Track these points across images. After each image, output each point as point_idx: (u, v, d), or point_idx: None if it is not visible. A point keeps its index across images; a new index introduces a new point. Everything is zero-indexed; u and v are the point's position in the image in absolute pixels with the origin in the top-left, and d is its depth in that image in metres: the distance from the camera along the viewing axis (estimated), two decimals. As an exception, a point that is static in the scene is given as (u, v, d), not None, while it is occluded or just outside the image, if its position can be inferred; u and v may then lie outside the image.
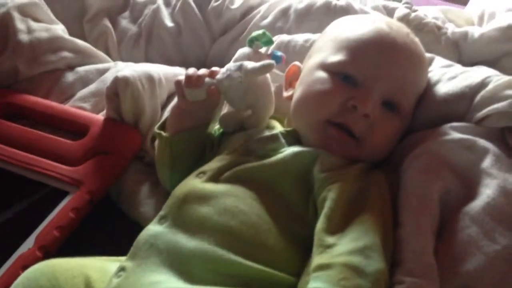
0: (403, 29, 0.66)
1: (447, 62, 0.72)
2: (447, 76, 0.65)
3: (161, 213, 0.58)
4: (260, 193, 0.57)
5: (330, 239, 0.52)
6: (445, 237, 0.54)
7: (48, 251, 0.63)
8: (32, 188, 0.70)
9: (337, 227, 0.53)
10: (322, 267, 0.49)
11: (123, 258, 0.56)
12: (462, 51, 0.83)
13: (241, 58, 0.70)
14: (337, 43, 0.64)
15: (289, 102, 0.68)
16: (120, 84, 0.74)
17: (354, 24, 0.65)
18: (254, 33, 0.69)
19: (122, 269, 0.54)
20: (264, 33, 0.69)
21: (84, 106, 0.81)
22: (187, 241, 0.54)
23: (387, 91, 0.61)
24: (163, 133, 0.67)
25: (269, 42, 0.69)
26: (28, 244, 0.63)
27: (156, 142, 0.71)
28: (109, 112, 0.77)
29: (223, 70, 0.64)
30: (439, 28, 0.85)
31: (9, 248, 0.64)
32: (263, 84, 0.65)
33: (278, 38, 0.82)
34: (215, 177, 0.59)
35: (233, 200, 0.56)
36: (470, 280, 0.52)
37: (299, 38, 0.81)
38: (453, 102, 0.63)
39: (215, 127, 0.70)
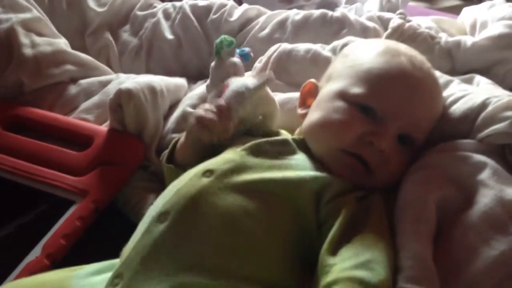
0: (424, 65, 0.66)
1: (445, 78, 0.74)
2: (450, 100, 0.68)
3: (162, 209, 0.55)
4: (270, 206, 0.56)
5: (332, 260, 0.53)
6: (443, 244, 0.56)
7: (55, 259, 0.65)
8: (38, 198, 0.71)
9: (339, 247, 0.54)
10: (329, 285, 0.50)
11: (92, 267, 0.57)
12: (455, 59, 0.86)
13: (213, 73, 0.72)
14: (359, 74, 0.64)
15: (300, 118, 0.69)
16: (123, 96, 0.76)
17: (376, 55, 0.65)
18: (216, 43, 0.71)
19: (117, 276, 0.53)
20: (222, 39, 0.70)
21: (87, 118, 0.82)
22: (187, 246, 0.53)
23: (405, 127, 0.62)
24: (173, 167, 0.67)
25: (231, 43, 0.71)
26: (36, 252, 0.65)
27: (165, 170, 0.69)
28: (112, 124, 0.78)
29: (231, 99, 0.65)
30: (432, 37, 0.87)
31: (17, 257, 0.65)
32: (265, 94, 0.68)
33: (279, 47, 0.84)
34: (223, 184, 0.57)
35: (240, 212, 0.55)
36: (469, 285, 0.54)
37: (301, 47, 0.83)
38: (456, 124, 0.65)
39: None
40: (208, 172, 0.58)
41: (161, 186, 0.73)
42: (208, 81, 0.73)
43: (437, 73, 0.73)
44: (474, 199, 0.57)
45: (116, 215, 0.73)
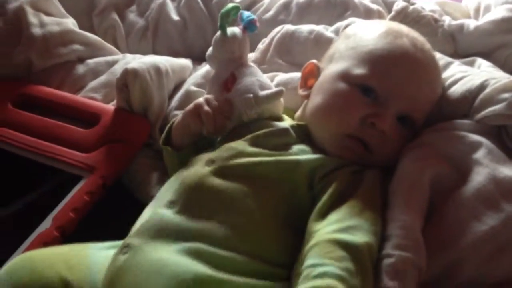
0: (425, 46, 0.67)
1: (446, 60, 0.75)
2: (449, 82, 0.69)
3: (171, 198, 0.59)
4: (267, 190, 0.59)
5: (318, 225, 0.55)
6: (435, 219, 0.58)
7: (64, 231, 0.67)
8: (48, 173, 0.73)
9: (326, 214, 0.56)
10: (311, 247, 0.53)
11: (105, 243, 0.59)
12: (457, 43, 0.87)
13: (216, 47, 0.70)
14: (361, 55, 0.65)
15: (302, 98, 0.70)
16: (130, 76, 0.78)
17: (379, 36, 0.66)
18: (221, 14, 0.68)
19: (126, 246, 0.55)
20: (228, 9, 0.68)
21: (95, 97, 0.84)
22: (194, 225, 0.56)
23: (405, 108, 0.63)
24: (169, 149, 0.68)
25: (237, 8, 0.68)
26: (46, 224, 0.67)
27: (164, 151, 0.71)
28: (119, 102, 0.80)
29: (239, 102, 0.65)
30: (436, 20, 0.88)
31: (27, 229, 0.67)
32: (279, 99, 0.67)
33: (282, 29, 0.85)
34: (224, 170, 0.60)
35: (241, 196, 0.58)
36: (459, 257, 0.56)
37: (304, 29, 0.84)
38: (455, 105, 0.66)
39: None
40: (210, 162, 0.61)
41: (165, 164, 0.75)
42: (210, 51, 0.71)
43: (438, 55, 0.74)
44: (469, 177, 0.59)
45: (122, 194, 0.76)
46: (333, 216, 0.55)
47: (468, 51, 0.86)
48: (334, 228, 0.54)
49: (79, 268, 0.56)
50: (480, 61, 0.80)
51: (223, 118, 0.65)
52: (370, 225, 0.55)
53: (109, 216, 0.71)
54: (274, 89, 0.66)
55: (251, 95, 0.65)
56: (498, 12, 0.87)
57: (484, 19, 0.87)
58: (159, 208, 0.59)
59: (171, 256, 0.54)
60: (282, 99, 0.69)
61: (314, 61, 0.72)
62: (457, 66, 0.74)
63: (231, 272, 0.53)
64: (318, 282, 0.49)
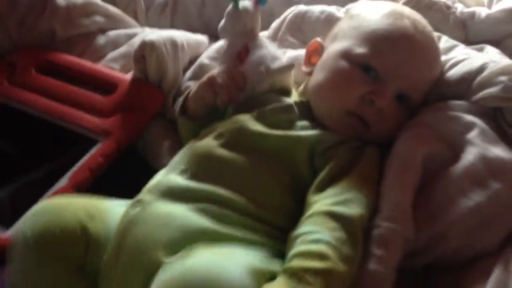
0: (426, 28, 0.69)
1: (451, 43, 0.77)
2: (450, 63, 0.71)
3: (182, 167, 0.63)
4: (270, 161, 0.62)
5: (316, 197, 0.59)
6: (425, 193, 0.61)
7: (80, 189, 0.72)
8: (67, 136, 0.78)
9: (324, 188, 0.59)
10: (308, 217, 0.57)
11: (121, 201, 0.63)
12: (468, 30, 0.88)
13: (229, 20, 0.72)
14: (363, 35, 0.67)
15: (305, 75, 0.73)
16: (147, 48, 0.81)
17: (381, 17, 0.68)
18: None
19: (138, 201, 0.60)
20: None
21: (114, 66, 0.88)
22: (202, 186, 0.60)
23: (403, 87, 0.66)
24: (184, 119, 0.72)
25: None
26: (63, 182, 0.72)
27: (178, 121, 0.75)
28: (136, 73, 0.84)
29: (252, 74, 0.68)
30: (448, 7, 0.89)
31: (45, 187, 0.73)
32: (290, 72, 0.70)
33: (296, 8, 0.88)
34: (231, 143, 0.63)
35: (246, 165, 0.62)
36: (444, 230, 0.59)
37: (316, 9, 0.86)
38: (454, 86, 0.68)
39: None
40: (218, 136, 0.65)
41: (177, 133, 0.78)
42: (222, 24, 0.74)
43: (444, 37, 0.76)
44: (460, 156, 0.62)
45: (135, 159, 0.80)
46: (331, 190, 0.59)
47: (479, 38, 0.87)
48: (331, 201, 0.57)
49: (97, 217, 0.59)
50: (488, 48, 0.82)
51: (236, 89, 0.67)
52: (365, 199, 0.58)
53: (121, 179, 0.75)
54: (285, 63, 0.68)
55: (263, 67, 0.67)
56: (510, 1, 0.88)
57: (496, 8, 0.88)
58: (170, 174, 0.63)
59: (179, 212, 0.58)
60: (292, 72, 0.71)
61: (319, 39, 0.74)
62: (462, 49, 0.76)
63: (234, 228, 0.57)
64: (312, 246, 0.53)
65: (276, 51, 0.71)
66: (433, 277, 0.61)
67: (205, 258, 0.52)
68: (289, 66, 0.68)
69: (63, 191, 0.71)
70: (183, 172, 0.63)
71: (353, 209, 0.57)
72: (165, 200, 0.59)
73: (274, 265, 0.55)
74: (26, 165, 0.76)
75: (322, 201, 0.58)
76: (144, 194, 0.61)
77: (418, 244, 0.60)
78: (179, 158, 0.66)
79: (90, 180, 0.73)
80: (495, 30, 0.86)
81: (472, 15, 0.88)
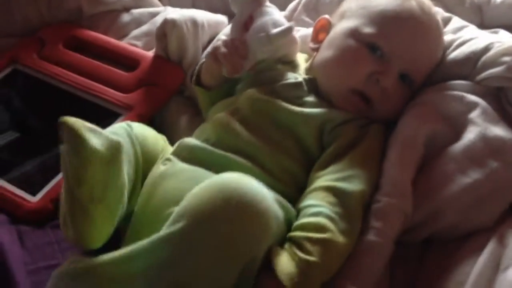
0: (431, 10, 0.71)
1: (462, 23, 0.78)
2: (456, 43, 0.72)
3: (204, 136, 0.67)
4: (282, 135, 0.66)
5: (320, 173, 0.62)
6: (426, 171, 0.64)
7: (103, 159, 0.77)
8: (92, 109, 0.82)
9: (328, 164, 0.63)
10: (311, 191, 0.60)
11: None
12: (484, 14, 0.88)
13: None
14: (371, 15, 0.69)
15: (311, 51, 0.75)
16: (168, 26, 0.85)
17: None
18: None
19: (167, 159, 0.65)
20: None
21: (136, 44, 0.92)
22: (223, 154, 0.64)
23: (407, 67, 0.68)
24: (201, 89, 0.75)
25: None
26: (87, 153, 0.77)
27: (195, 90, 0.78)
28: (157, 50, 0.88)
29: (252, 41, 0.69)
30: (464, -9, 0.90)
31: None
32: (287, 40, 0.71)
33: None
34: (246, 117, 0.67)
35: (261, 139, 0.65)
36: (442, 205, 0.62)
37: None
38: (459, 66, 0.70)
39: None
40: (235, 110, 0.69)
41: (194, 109, 0.83)
42: None
43: (455, 18, 0.77)
44: (462, 135, 0.64)
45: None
46: (335, 166, 0.62)
47: (494, 23, 0.87)
48: (334, 177, 0.61)
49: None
50: (502, 32, 0.82)
51: (239, 58, 0.68)
52: (367, 175, 0.61)
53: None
54: (284, 26, 0.69)
55: (264, 33, 0.69)
56: (526, -13, 0.88)
57: (512, -7, 0.88)
58: (197, 140, 0.67)
59: (205, 171, 0.62)
60: (298, 42, 0.73)
61: (327, 16, 0.76)
62: (472, 29, 0.76)
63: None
64: (312, 219, 0.57)
65: (280, 18, 0.72)
66: (430, 251, 0.64)
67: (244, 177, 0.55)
68: (287, 29, 0.68)
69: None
70: (205, 140, 0.66)
71: (355, 185, 0.60)
72: (190, 162, 0.64)
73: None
74: (52, 138, 0.79)
75: (325, 177, 0.61)
76: (172, 154, 0.66)
77: (416, 219, 0.62)
78: (200, 131, 0.70)
79: (113, 150, 0.77)
80: (510, 15, 0.86)
81: (488, 0, 0.89)
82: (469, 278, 0.56)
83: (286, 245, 0.56)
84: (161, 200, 0.60)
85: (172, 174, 0.62)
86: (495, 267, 0.57)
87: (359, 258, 0.58)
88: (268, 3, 0.75)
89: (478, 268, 0.57)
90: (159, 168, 0.64)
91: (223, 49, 0.70)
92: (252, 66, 0.70)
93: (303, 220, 0.58)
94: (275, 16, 0.72)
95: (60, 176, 0.75)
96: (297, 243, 0.56)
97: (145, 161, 0.65)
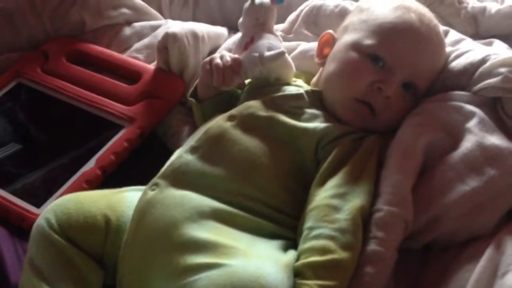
0: (432, 22, 0.73)
1: (459, 36, 0.79)
2: (454, 54, 0.74)
3: (194, 144, 0.67)
4: (277, 148, 0.66)
5: (318, 190, 0.63)
6: (425, 179, 0.65)
7: (106, 170, 0.78)
8: (95, 122, 0.83)
9: (326, 179, 0.64)
10: (310, 210, 0.61)
11: (140, 187, 0.66)
12: (479, 24, 0.90)
13: (244, 13, 0.77)
14: (372, 28, 0.71)
15: (317, 66, 0.77)
16: (169, 39, 0.86)
17: (389, 11, 0.72)
18: None
19: (155, 184, 0.64)
20: None
21: (138, 57, 0.93)
22: (213, 170, 0.64)
23: (409, 76, 0.70)
24: (194, 101, 0.77)
25: None
26: (90, 164, 0.78)
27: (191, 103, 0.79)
28: (159, 63, 0.89)
29: (246, 60, 0.72)
30: (459, 2, 0.91)
31: (74, 169, 0.78)
32: (282, 62, 0.73)
33: (311, 2, 0.91)
34: (244, 124, 0.67)
35: (256, 150, 0.65)
36: (441, 213, 0.63)
37: (330, 3, 0.89)
38: (457, 77, 0.72)
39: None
40: (232, 117, 0.69)
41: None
42: (241, 19, 0.79)
43: (452, 31, 0.79)
44: (460, 143, 0.65)
45: (156, 144, 0.85)
46: (331, 182, 0.63)
47: (489, 32, 0.89)
48: (331, 194, 0.62)
49: (118, 206, 0.64)
50: (497, 42, 0.84)
51: (231, 72, 0.71)
52: (364, 188, 0.62)
53: (144, 162, 0.80)
54: (276, 50, 0.72)
55: (257, 54, 0.72)
56: (521, -4, 0.90)
57: (506, 3, 0.90)
58: (183, 153, 0.67)
59: (193, 195, 0.62)
60: (292, 67, 0.75)
61: (330, 31, 0.78)
62: (469, 42, 0.78)
63: (243, 211, 0.62)
64: (313, 242, 0.58)
65: (276, 43, 0.75)
66: (430, 257, 0.65)
67: (244, 266, 0.55)
68: (278, 54, 0.71)
69: (90, 173, 0.77)
70: (194, 149, 0.66)
71: (352, 201, 0.61)
72: (179, 185, 0.63)
73: (288, 255, 0.59)
74: (55, 150, 0.81)
75: (323, 194, 0.62)
76: (160, 178, 0.65)
77: (416, 226, 0.63)
78: (193, 136, 0.70)
79: (115, 163, 0.79)
80: (504, 24, 0.88)
81: (483, 10, 0.90)
82: (467, 285, 0.57)
83: (296, 281, 0.57)
84: (150, 230, 0.60)
85: (160, 201, 0.62)
86: (493, 274, 0.58)
87: (364, 269, 0.58)
88: (271, 30, 0.78)
89: (476, 274, 0.58)
90: (147, 194, 0.63)
91: (218, 60, 0.72)
92: (241, 82, 0.73)
93: (305, 245, 0.59)
94: (272, 41, 0.75)
95: (64, 187, 0.76)
96: (304, 274, 0.57)
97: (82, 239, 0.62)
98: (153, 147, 0.84)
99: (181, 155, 0.67)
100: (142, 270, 0.59)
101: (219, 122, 0.69)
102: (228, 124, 0.68)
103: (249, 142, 0.66)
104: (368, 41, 0.70)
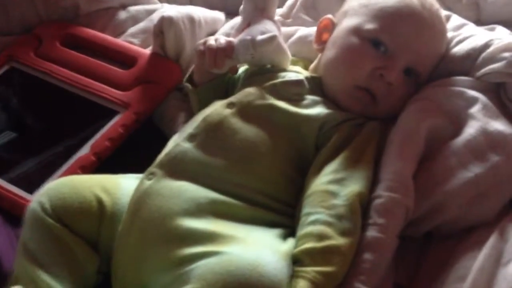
0: (434, 6, 0.71)
1: (461, 21, 0.78)
2: (456, 39, 0.73)
3: (192, 131, 0.65)
4: (278, 136, 0.65)
5: (315, 176, 0.62)
6: (427, 165, 0.64)
7: (100, 157, 0.76)
8: (90, 107, 0.82)
9: (322, 165, 0.62)
10: (308, 196, 0.60)
11: (136, 175, 0.65)
12: (481, 10, 0.89)
13: (245, 2, 0.76)
14: (373, 12, 0.69)
15: (317, 52, 0.75)
16: (165, 23, 0.84)
17: None
18: None
19: (151, 173, 0.62)
20: None
21: (133, 41, 0.91)
22: (211, 160, 0.63)
23: (411, 61, 0.68)
24: (189, 86, 0.76)
25: None
26: (85, 150, 0.76)
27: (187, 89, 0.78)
28: (155, 47, 0.87)
29: (238, 43, 0.70)
30: (461, -13, 0.90)
31: (68, 156, 0.76)
32: (275, 47, 0.71)
33: None
34: (244, 111, 0.66)
35: (255, 138, 0.64)
36: (443, 200, 0.62)
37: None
38: (460, 62, 0.70)
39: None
40: (231, 104, 0.67)
41: (192, 106, 0.82)
42: (241, 7, 0.78)
43: (454, 16, 0.78)
44: (463, 129, 0.64)
45: (152, 130, 0.83)
46: (329, 168, 0.62)
47: (491, 18, 0.88)
48: (328, 179, 0.60)
49: (112, 191, 0.63)
50: (499, 28, 0.82)
51: (224, 55, 0.70)
52: (362, 173, 0.61)
53: (140, 148, 0.78)
54: (268, 34, 0.70)
55: (250, 37, 0.70)
56: (523, -17, 0.88)
57: (510, -11, 0.88)
58: (180, 141, 0.65)
59: (190, 185, 0.61)
60: (287, 53, 0.73)
61: (330, 16, 0.76)
62: (471, 27, 0.77)
63: (241, 201, 0.60)
64: (310, 228, 0.57)
65: (272, 28, 0.73)
66: (431, 245, 0.64)
67: (242, 253, 0.53)
68: (270, 38, 0.69)
69: (84, 159, 0.75)
70: (192, 137, 0.65)
71: (350, 187, 0.60)
72: (176, 175, 0.62)
73: (287, 243, 0.58)
74: (49, 136, 0.80)
75: (320, 179, 0.61)
76: (156, 167, 0.63)
77: (418, 213, 0.62)
78: (190, 123, 0.69)
79: (110, 150, 0.77)
80: (507, 10, 0.87)
81: (486, -4, 0.89)
82: (470, 272, 0.56)
83: (294, 268, 0.55)
84: (146, 221, 0.59)
85: (156, 191, 0.60)
86: (496, 262, 0.57)
87: (364, 255, 0.58)
88: (271, 16, 0.76)
89: (479, 263, 0.57)
90: (144, 183, 0.62)
91: (211, 42, 0.71)
92: (233, 66, 0.72)
93: (303, 231, 0.58)
94: (268, 26, 0.73)
95: (57, 173, 0.75)
96: (302, 261, 0.56)
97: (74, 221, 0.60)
98: (149, 133, 0.82)
99: (178, 143, 0.65)
100: (137, 262, 0.58)
101: (218, 109, 0.67)
102: (227, 112, 0.67)
103: (248, 131, 0.65)
104: (369, 26, 0.69)
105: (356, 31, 0.69)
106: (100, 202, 0.61)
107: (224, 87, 0.76)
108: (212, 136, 0.65)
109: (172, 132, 0.81)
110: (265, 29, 0.72)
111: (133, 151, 0.79)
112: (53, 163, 0.76)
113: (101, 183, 0.63)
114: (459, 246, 0.61)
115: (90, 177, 0.67)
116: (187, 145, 0.64)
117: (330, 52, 0.72)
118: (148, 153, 0.69)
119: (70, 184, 0.62)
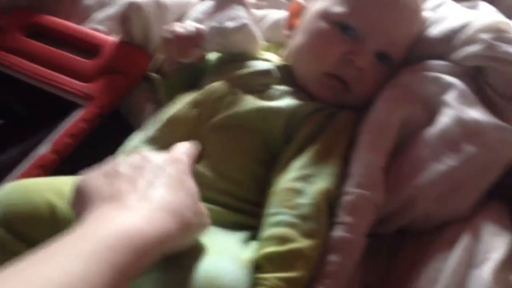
0: None
1: (439, 0, 0.73)
2: (433, 20, 0.68)
3: (153, 134, 0.63)
4: (246, 135, 0.61)
5: (281, 171, 0.58)
6: (399, 157, 0.60)
7: (61, 155, 0.72)
8: (50, 100, 0.77)
9: (288, 160, 0.59)
10: (272, 193, 0.57)
11: None
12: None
13: None
14: None
15: (287, 39, 0.71)
16: (132, 9, 0.79)
17: None
18: None
19: None
20: None
21: (99, 29, 0.87)
22: None
23: (383, 44, 0.64)
24: (156, 76, 0.72)
25: None
26: (44, 149, 0.72)
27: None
28: (122, 35, 0.82)
29: (207, 30, 0.67)
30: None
31: (26, 153, 0.72)
32: (245, 36, 0.67)
33: None
34: (209, 113, 0.62)
35: (221, 139, 0.61)
36: (415, 193, 0.58)
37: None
38: (436, 44, 0.65)
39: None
40: (197, 104, 0.64)
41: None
42: None
43: None
44: (437, 118, 0.59)
45: (118, 122, 0.79)
46: (296, 163, 0.58)
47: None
48: (295, 176, 0.57)
49: (66, 196, 0.57)
50: (483, 4, 0.77)
51: (191, 43, 0.67)
52: (330, 169, 0.57)
53: (104, 140, 0.75)
54: (238, 23, 0.66)
55: (218, 25, 0.66)
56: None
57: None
58: (141, 143, 0.62)
59: None
60: (257, 41, 0.69)
61: (299, 0, 0.71)
62: (450, 5, 0.71)
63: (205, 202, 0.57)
64: (273, 230, 0.54)
65: (242, 13, 0.69)
66: (403, 243, 0.61)
67: (198, 265, 0.50)
68: (238, 27, 0.66)
69: (44, 158, 0.71)
70: (153, 141, 0.62)
71: (317, 184, 0.56)
72: None
73: (250, 248, 0.55)
74: (8, 133, 0.76)
75: (286, 176, 0.57)
76: None
77: (389, 208, 0.59)
78: (154, 121, 0.65)
79: (71, 146, 0.73)
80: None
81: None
82: (441, 275, 0.53)
83: (255, 275, 0.52)
84: None
85: None
86: (469, 263, 0.53)
87: (330, 257, 0.54)
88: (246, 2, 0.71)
89: (451, 265, 0.53)
90: None
91: (180, 30, 0.68)
92: (200, 55, 0.68)
93: (265, 232, 0.55)
94: (238, 11, 0.69)
95: (15, 173, 0.71)
96: (262, 267, 0.52)
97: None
98: (115, 126, 0.78)
99: (137, 146, 0.62)
100: None
101: (183, 109, 0.64)
102: (192, 113, 0.63)
103: (215, 137, 0.62)
104: (337, 9, 0.64)
105: (324, 15, 0.65)
106: (50, 206, 0.58)
107: (193, 75, 0.72)
108: (174, 140, 0.60)
109: (139, 123, 0.77)
110: (235, 14, 0.68)
111: (99, 146, 0.75)
112: (9, 164, 0.72)
113: (56, 187, 0.60)
114: (431, 244, 0.57)
115: (45, 180, 0.63)
116: (146, 149, 0.61)
117: (298, 38, 0.67)
118: (116, 148, 0.66)
119: (21, 189, 0.59)
